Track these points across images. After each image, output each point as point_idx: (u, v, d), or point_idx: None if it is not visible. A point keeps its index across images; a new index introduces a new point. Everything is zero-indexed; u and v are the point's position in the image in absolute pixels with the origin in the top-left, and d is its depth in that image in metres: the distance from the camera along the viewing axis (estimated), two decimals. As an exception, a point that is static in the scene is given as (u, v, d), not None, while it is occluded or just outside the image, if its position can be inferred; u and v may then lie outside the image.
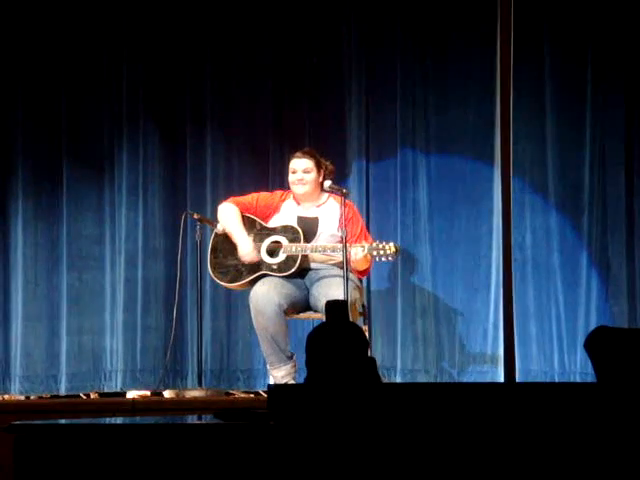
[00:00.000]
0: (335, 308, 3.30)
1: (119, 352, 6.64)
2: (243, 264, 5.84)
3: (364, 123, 6.71)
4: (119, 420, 4.34)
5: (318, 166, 5.88)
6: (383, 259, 5.65)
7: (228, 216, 5.91)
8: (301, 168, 5.86)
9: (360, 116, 6.72)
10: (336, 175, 6.06)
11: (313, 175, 5.86)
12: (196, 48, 6.81)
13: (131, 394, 6.44)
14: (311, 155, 5.89)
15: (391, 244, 5.64)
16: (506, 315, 6.56)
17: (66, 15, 6.78)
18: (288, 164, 5.94)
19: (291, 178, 5.89)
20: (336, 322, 3.26)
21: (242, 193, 6.12)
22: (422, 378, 6.46)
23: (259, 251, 5.82)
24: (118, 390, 6.59)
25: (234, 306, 6.63)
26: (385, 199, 6.69)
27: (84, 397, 6.55)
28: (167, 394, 6.37)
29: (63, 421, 3.93)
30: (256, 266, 5.81)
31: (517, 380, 6.39)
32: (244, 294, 6.09)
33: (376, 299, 6.62)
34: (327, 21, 6.76)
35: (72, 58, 6.78)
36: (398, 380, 6.44)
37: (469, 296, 6.59)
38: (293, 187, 5.88)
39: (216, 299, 6.63)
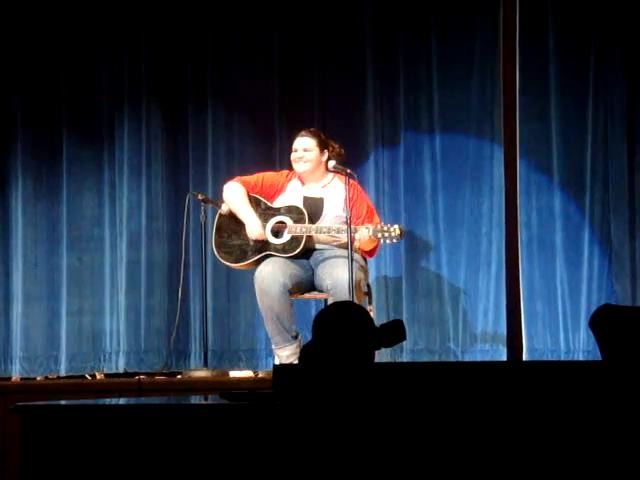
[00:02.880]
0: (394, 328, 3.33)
1: (121, 333, 6.64)
2: (248, 244, 5.82)
3: (370, 103, 6.70)
4: (125, 401, 4.34)
5: (322, 146, 5.83)
6: (387, 241, 5.61)
7: (234, 195, 5.88)
8: (302, 146, 5.82)
9: (364, 96, 6.70)
10: (348, 157, 6.04)
11: (314, 154, 5.81)
12: (198, 25, 6.77)
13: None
14: (314, 134, 5.85)
15: (396, 226, 5.61)
16: (513, 294, 6.58)
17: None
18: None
19: (292, 156, 5.86)
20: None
21: (244, 173, 6.09)
22: (425, 357, 6.47)
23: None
24: (121, 371, 6.59)
25: (235, 286, 6.62)
26: (389, 179, 6.68)
27: (89, 378, 6.56)
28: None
29: (67, 402, 3.92)
30: (261, 246, 5.79)
31: (524, 359, 6.41)
32: (245, 275, 6.08)
33: (380, 279, 6.62)
34: (337, 4, 6.74)
35: (71, 38, 6.74)
36: (404, 360, 6.44)
37: (472, 274, 6.61)
38: (294, 165, 5.84)
39: (217, 280, 6.61)
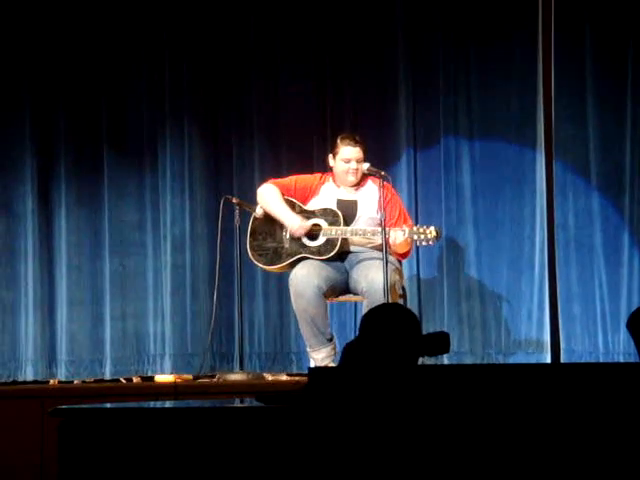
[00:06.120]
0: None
1: (167, 336, 6.67)
2: (283, 247, 5.81)
3: (409, 108, 6.70)
4: (162, 404, 4.37)
5: (365, 154, 5.83)
6: (424, 243, 5.59)
7: (270, 196, 5.87)
8: (355, 158, 5.77)
9: (404, 101, 6.70)
10: (383, 161, 6.01)
11: (362, 163, 5.80)
12: (240, 32, 6.81)
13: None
14: (362, 144, 5.80)
15: (432, 228, 5.59)
16: (551, 296, 6.55)
17: (105, 4, 6.80)
18: (335, 147, 5.84)
19: (343, 167, 5.78)
20: None
21: (287, 175, 6.07)
22: (468, 360, 6.45)
23: (298, 233, 5.80)
24: (168, 374, 6.61)
25: (286, 289, 6.61)
26: (430, 183, 6.68)
27: (124, 381, 6.60)
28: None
29: (107, 405, 3.95)
30: (295, 249, 5.80)
31: (562, 361, 6.38)
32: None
33: (422, 282, 6.62)
34: (371, 8, 6.75)
35: (113, 43, 6.80)
36: (445, 362, 6.43)
37: (514, 277, 6.59)
38: (346, 176, 5.78)
39: (268, 282, 6.65)
